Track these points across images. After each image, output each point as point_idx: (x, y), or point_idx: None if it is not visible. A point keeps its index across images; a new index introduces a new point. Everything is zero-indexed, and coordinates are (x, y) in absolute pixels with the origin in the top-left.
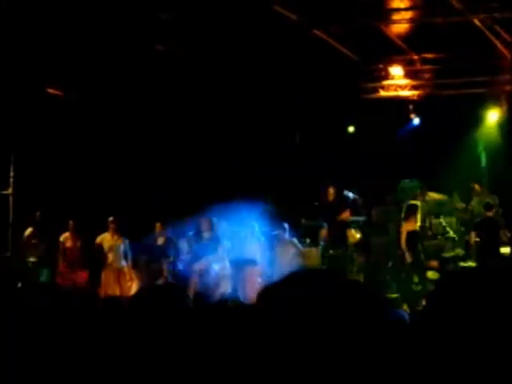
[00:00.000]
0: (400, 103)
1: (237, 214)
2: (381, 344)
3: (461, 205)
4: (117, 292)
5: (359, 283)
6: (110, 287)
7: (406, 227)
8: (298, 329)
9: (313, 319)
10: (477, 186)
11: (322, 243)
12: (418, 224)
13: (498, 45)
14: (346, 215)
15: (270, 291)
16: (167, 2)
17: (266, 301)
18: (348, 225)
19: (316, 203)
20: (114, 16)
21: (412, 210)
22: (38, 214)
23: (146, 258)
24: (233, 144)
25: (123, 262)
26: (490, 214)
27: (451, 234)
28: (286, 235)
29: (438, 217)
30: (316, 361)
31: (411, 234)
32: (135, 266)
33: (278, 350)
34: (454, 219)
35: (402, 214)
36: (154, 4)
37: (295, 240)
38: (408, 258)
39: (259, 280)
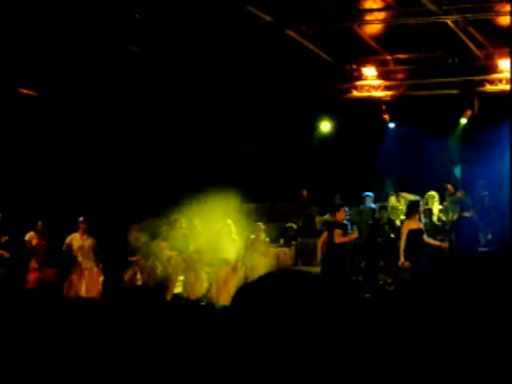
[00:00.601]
0: (373, 103)
1: (212, 213)
2: (347, 342)
3: (438, 206)
4: (84, 291)
5: (329, 283)
6: (78, 287)
7: (408, 226)
8: (268, 328)
9: (284, 319)
10: (450, 187)
11: None
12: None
13: (471, 46)
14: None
15: (244, 292)
16: (141, 3)
17: (240, 301)
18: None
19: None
20: (87, 16)
21: (414, 207)
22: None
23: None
24: (211, 140)
25: (92, 262)
26: (466, 214)
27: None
28: (261, 235)
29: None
30: (285, 358)
31: (413, 233)
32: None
33: (249, 350)
34: (427, 220)
35: (404, 213)
36: (128, 5)
37: (269, 240)
38: (402, 258)
39: (233, 279)
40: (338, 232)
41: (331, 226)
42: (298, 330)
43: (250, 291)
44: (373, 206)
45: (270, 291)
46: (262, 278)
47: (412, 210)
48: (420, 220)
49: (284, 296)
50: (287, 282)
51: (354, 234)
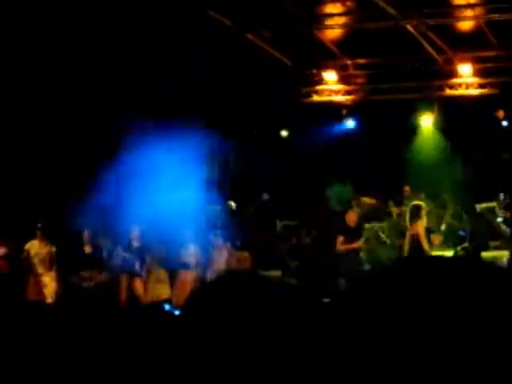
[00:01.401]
0: (334, 108)
1: (172, 219)
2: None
3: (395, 209)
4: (41, 298)
5: (284, 285)
6: (35, 294)
7: (412, 230)
8: (218, 333)
9: (234, 323)
10: (407, 189)
11: None
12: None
13: (431, 50)
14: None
15: (196, 296)
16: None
17: (191, 306)
18: None
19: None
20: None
21: (416, 212)
22: None
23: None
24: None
25: (49, 270)
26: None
27: (383, 238)
28: (220, 239)
29: (370, 221)
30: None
31: (417, 238)
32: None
33: (199, 354)
34: (386, 224)
35: (407, 218)
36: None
37: (229, 244)
38: None
39: (193, 284)
40: (340, 238)
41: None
42: (242, 335)
43: (198, 295)
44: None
45: (219, 296)
46: (213, 282)
47: (414, 214)
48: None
49: (230, 301)
50: (235, 287)
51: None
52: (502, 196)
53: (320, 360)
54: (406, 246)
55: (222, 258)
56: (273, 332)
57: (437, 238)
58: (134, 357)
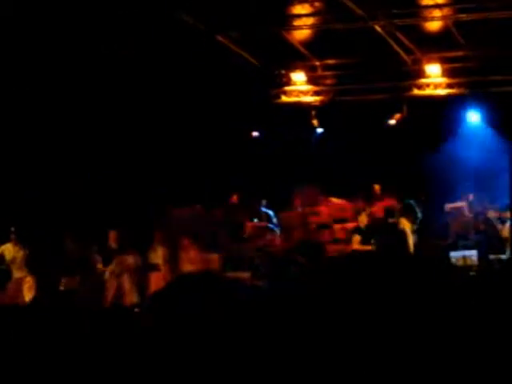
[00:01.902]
0: (303, 109)
1: (144, 220)
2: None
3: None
4: (18, 302)
5: (238, 285)
6: (12, 297)
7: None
8: (174, 333)
9: (188, 323)
10: (377, 187)
11: None
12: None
13: (399, 51)
14: None
15: (155, 298)
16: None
17: (150, 307)
18: None
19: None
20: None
21: (409, 208)
22: None
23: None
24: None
25: (25, 273)
26: (392, 220)
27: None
28: (189, 240)
29: (339, 222)
30: (192, 363)
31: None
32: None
33: (156, 353)
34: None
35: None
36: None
37: (197, 246)
38: None
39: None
40: (356, 238)
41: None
42: (196, 334)
43: (158, 297)
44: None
45: (175, 296)
46: (172, 284)
47: (407, 210)
48: (414, 222)
49: (184, 302)
50: (189, 289)
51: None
52: (471, 197)
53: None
54: (411, 241)
55: (190, 260)
56: (224, 330)
57: None
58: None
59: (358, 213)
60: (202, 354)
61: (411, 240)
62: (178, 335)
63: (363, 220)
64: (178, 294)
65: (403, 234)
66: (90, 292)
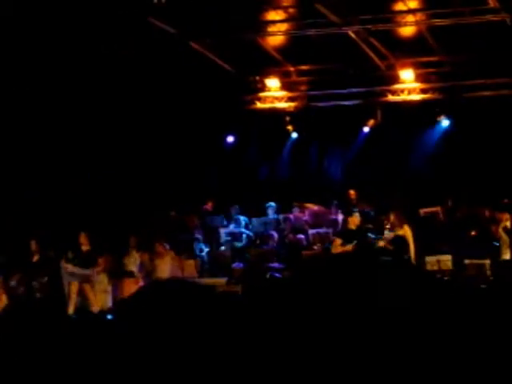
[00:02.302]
0: (278, 115)
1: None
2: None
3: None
4: None
5: (210, 291)
6: None
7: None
8: (141, 338)
9: (156, 329)
10: (352, 193)
11: None
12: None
13: (373, 56)
14: None
15: (122, 304)
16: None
17: (117, 313)
18: None
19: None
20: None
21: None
22: None
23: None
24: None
25: None
26: (368, 225)
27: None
28: (165, 247)
29: (315, 227)
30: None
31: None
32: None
33: (124, 359)
34: (331, 229)
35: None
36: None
37: (173, 252)
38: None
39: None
40: (337, 241)
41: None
42: (161, 339)
43: (126, 304)
44: (276, 216)
45: (143, 303)
46: (139, 291)
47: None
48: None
49: (153, 309)
50: (157, 296)
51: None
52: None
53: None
54: (412, 243)
55: (165, 266)
56: (193, 337)
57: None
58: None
59: (349, 214)
60: (166, 362)
61: (412, 246)
62: (145, 342)
63: (355, 221)
64: (146, 302)
65: (404, 240)
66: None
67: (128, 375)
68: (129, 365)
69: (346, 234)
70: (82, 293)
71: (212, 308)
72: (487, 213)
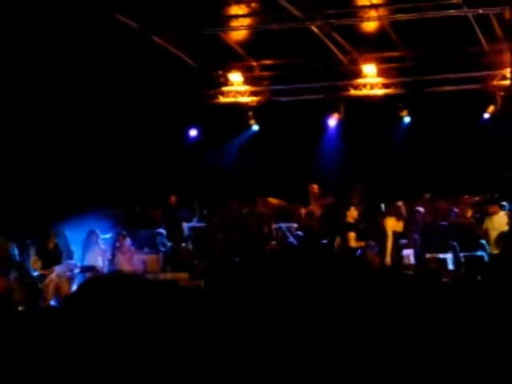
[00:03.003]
0: (240, 109)
1: (78, 221)
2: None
3: (303, 210)
4: None
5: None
6: None
7: (391, 225)
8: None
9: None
10: (315, 187)
11: None
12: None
13: (336, 51)
14: None
15: (65, 300)
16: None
17: (66, 305)
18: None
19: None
20: None
21: (392, 206)
22: None
23: None
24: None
25: None
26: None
27: (291, 238)
28: (127, 242)
29: (277, 222)
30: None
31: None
32: None
33: (73, 350)
34: (295, 224)
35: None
36: None
37: (133, 247)
38: (388, 258)
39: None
40: (351, 235)
41: (345, 227)
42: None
43: (73, 297)
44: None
45: (82, 299)
46: (83, 284)
47: (391, 208)
48: (399, 219)
49: (96, 302)
50: (100, 289)
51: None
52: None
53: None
54: (390, 242)
55: (127, 261)
56: (129, 329)
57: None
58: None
59: (347, 208)
60: (108, 358)
61: (390, 242)
62: (83, 338)
63: (353, 215)
64: (85, 297)
65: (384, 235)
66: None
67: (68, 369)
68: (67, 359)
69: (355, 228)
70: (57, 288)
71: (157, 302)
72: (446, 206)
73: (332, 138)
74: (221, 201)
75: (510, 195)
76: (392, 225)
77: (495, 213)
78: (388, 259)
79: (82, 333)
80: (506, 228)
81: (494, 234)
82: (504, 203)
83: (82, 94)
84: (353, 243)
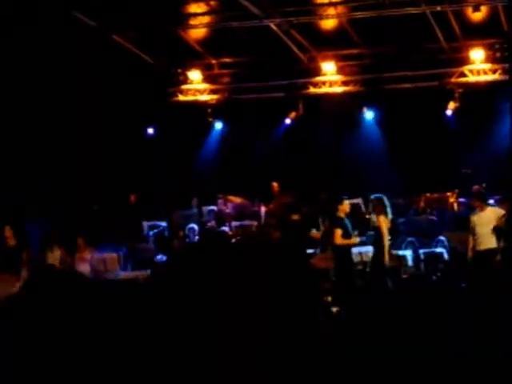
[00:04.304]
0: (200, 107)
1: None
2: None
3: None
4: None
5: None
6: None
7: (385, 223)
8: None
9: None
10: (275, 185)
11: None
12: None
13: (295, 49)
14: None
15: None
16: None
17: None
18: None
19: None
20: None
21: (379, 203)
22: None
23: None
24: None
25: None
26: (295, 217)
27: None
28: (86, 241)
29: (239, 220)
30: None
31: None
32: None
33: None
34: (255, 222)
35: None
36: None
37: (93, 247)
38: (386, 256)
39: None
40: (338, 231)
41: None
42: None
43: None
44: (196, 209)
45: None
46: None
47: (379, 206)
48: (386, 216)
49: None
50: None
51: (356, 239)
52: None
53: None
54: (386, 239)
55: (86, 261)
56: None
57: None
58: None
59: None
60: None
61: (386, 238)
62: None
63: (345, 209)
64: (24, 295)
65: (379, 231)
66: None
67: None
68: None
69: (343, 225)
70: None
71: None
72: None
73: (291, 136)
74: (184, 199)
75: (469, 192)
76: (385, 223)
77: (482, 209)
78: (387, 258)
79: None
80: (494, 223)
81: (482, 230)
82: (491, 200)
83: (39, 92)
84: (338, 240)
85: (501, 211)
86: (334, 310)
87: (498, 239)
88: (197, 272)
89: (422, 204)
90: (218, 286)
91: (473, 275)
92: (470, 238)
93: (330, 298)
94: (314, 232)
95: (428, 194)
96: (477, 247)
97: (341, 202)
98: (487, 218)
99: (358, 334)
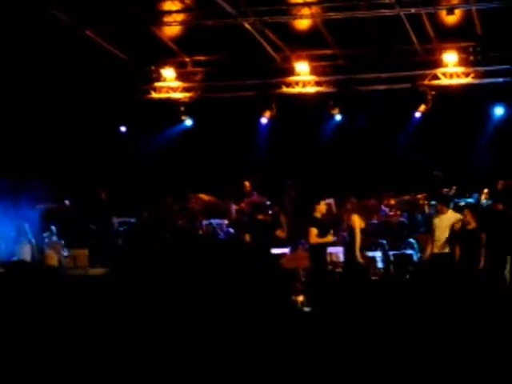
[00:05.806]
0: (173, 104)
1: (6, 215)
2: None
3: (234, 207)
4: None
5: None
6: None
7: (360, 222)
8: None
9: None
10: (248, 184)
11: None
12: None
13: (268, 48)
14: None
15: None
16: None
17: None
18: None
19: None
20: None
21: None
22: None
23: None
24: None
25: None
26: (261, 216)
27: (222, 235)
28: (54, 238)
29: (208, 218)
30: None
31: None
32: None
33: None
34: (226, 221)
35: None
36: None
37: (62, 242)
38: (358, 253)
39: None
40: (313, 231)
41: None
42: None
43: None
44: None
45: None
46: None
47: (358, 206)
48: (363, 217)
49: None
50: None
51: (331, 237)
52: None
53: None
54: (358, 238)
55: (55, 256)
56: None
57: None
58: None
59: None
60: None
61: (359, 238)
62: None
63: (321, 209)
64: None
65: (352, 231)
66: None
67: None
68: None
69: (319, 224)
70: None
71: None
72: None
73: (264, 135)
74: (155, 196)
75: (438, 194)
76: (359, 222)
77: (443, 212)
78: (359, 257)
79: None
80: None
81: (441, 233)
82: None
83: (10, 89)
84: (313, 239)
85: (459, 216)
86: (307, 309)
87: (452, 243)
88: (165, 270)
89: (391, 206)
90: (185, 284)
91: (423, 275)
92: (429, 240)
93: (301, 298)
94: (278, 231)
95: (396, 197)
96: (434, 249)
97: (318, 202)
98: (448, 221)
99: (332, 331)
